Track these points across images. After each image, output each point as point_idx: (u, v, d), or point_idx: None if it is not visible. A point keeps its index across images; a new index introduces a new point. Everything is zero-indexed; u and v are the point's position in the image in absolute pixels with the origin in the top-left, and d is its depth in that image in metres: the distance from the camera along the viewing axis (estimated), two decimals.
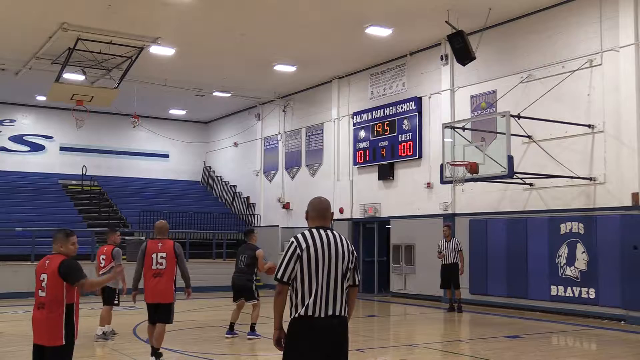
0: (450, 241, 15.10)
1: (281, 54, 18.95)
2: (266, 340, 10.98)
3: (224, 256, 22.06)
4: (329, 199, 19.86)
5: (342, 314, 4.64)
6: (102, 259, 11.03)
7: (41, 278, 5.85)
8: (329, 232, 4.79)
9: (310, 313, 4.53)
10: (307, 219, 4.99)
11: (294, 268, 4.60)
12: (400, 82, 18.94)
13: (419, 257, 17.75)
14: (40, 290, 5.82)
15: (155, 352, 8.73)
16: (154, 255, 8.71)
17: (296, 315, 4.58)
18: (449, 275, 15.02)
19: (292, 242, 4.70)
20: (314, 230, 4.79)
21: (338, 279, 4.64)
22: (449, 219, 16.74)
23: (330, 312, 4.56)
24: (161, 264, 8.68)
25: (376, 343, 11.69)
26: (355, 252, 4.83)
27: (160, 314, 8.69)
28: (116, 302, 11.11)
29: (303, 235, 4.74)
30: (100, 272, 10.82)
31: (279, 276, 4.62)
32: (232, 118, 28.13)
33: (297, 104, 23.55)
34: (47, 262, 5.92)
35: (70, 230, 6.17)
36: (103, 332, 10.87)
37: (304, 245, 4.64)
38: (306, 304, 4.54)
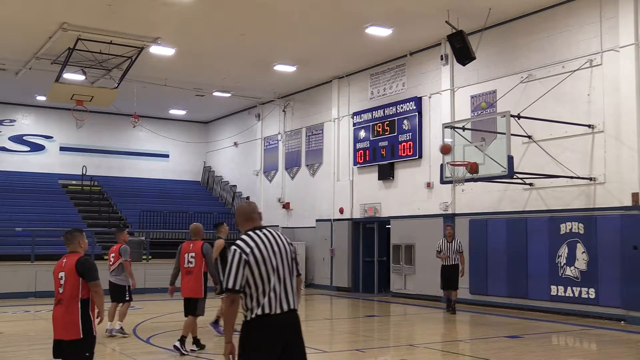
0: (452, 242, 14.79)
1: (281, 54, 18.95)
2: None
3: None
4: (330, 199, 19.74)
5: (295, 307, 4.75)
6: (112, 257, 11.51)
7: (59, 276, 6.18)
8: (264, 231, 4.82)
9: (267, 311, 4.59)
10: (237, 225, 4.97)
11: (243, 275, 4.61)
12: (400, 82, 18.94)
13: (419, 257, 17.75)
14: (59, 288, 6.16)
15: (181, 339, 9.53)
16: (186, 255, 9.72)
17: (252, 316, 4.62)
18: (450, 276, 14.77)
19: (235, 249, 4.68)
20: (250, 233, 4.78)
21: (286, 273, 4.73)
22: (449, 219, 16.74)
23: (285, 308, 4.65)
24: (191, 262, 9.65)
25: (376, 343, 11.68)
26: (293, 244, 4.91)
27: (190, 307, 9.65)
28: (127, 297, 11.37)
29: (243, 240, 4.71)
30: (111, 269, 11.35)
31: (230, 286, 4.60)
32: (232, 118, 28.13)
33: (297, 104, 23.55)
34: (65, 260, 6.25)
35: (80, 230, 6.54)
36: (120, 327, 11.14)
37: (247, 250, 4.64)
38: (262, 304, 4.60)
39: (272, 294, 4.62)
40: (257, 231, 4.81)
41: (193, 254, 9.66)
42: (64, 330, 6.04)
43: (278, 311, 4.62)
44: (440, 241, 15.02)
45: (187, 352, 9.49)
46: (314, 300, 19.00)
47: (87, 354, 6.10)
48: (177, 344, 9.50)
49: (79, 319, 6.05)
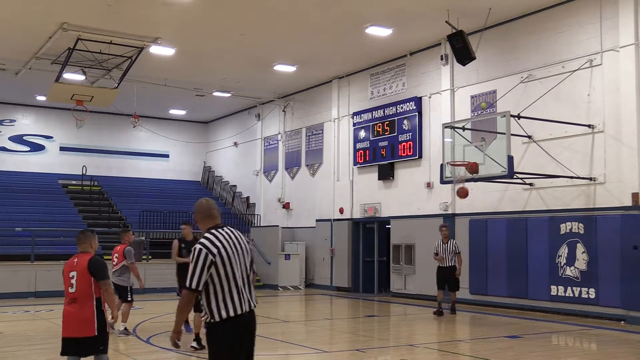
0: (447, 243, 14.41)
1: (281, 54, 18.95)
2: (266, 340, 10.98)
3: None
4: (330, 199, 19.77)
5: (255, 305, 4.78)
6: (115, 257, 11.52)
7: (70, 275, 6.34)
8: (226, 229, 4.76)
9: (239, 312, 4.59)
10: (196, 222, 4.88)
11: (207, 275, 4.56)
12: (400, 82, 18.94)
13: (419, 257, 17.74)
14: (69, 287, 6.33)
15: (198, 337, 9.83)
16: None
17: (219, 318, 4.57)
18: (447, 277, 14.40)
19: (201, 249, 4.59)
20: (214, 232, 4.71)
21: (247, 273, 4.73)
22: (449, 219, 16.74)
23: (247, 308, 4.67)
24: None
25: (376, 343, 11.68)
26: (249, 242, 4.92)
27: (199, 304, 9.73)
28: (129, 298, 11.45)
29: (208, 239, 4.64)
30: (113, 270, 11.26)
31: (194, 286, 4.54)
32: (232, 118, 28.14)
33: (297, 104, 23.55)
34: (76, 260, 6.43)
35: (92, 230, 6.74)
36: (124, 328, 11.20)
37: (214, 251, 4.58)
38: (229, 305, 4.57)
39: (238, 295, 4.61)
40: (220, 230, 4.73)
41: None
42: (79, 328, 6.23)
43: (244, 311, 4.62)
44: (437, 243, 14.65)
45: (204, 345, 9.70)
46: (314, 300, 19.00)
47: (101, 348, 6.37)
48: (194, 344, 9.77)
49: (94, 316, 6.26)
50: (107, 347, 6.46)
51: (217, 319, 4.58)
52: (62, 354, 6.43)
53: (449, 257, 14.38)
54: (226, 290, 4.58)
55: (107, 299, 6.41)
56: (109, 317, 6.43)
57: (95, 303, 6.28)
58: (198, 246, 4.60)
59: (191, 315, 9.82)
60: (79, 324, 6.24)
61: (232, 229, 4.81)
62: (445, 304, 14.77)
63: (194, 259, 4.57)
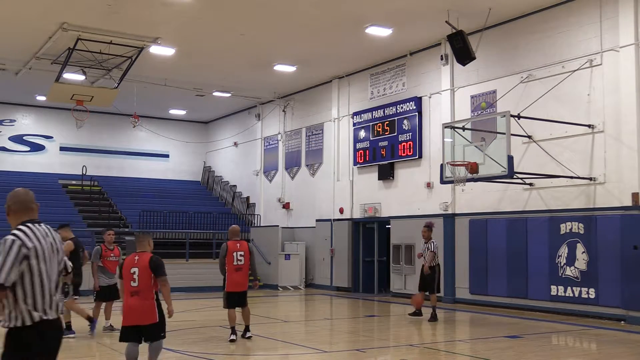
0: (428, 242, 13.67)
1: (281, 54, 18.95)
2: (267, 340, 10.98)
3: None
4: (330, 199, 19.82)
5: (62, 312, 4.48)
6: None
7: (132, 271, 7.33)
8: (43, 226, 4.33)
9: (51, 317, 4.18)
10: (8, 214, 4.34)
11: (19, 270, 4.05)
12: (400, 82, 18.94)
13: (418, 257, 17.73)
14: (132, 282, 7.30)
15: (247, 328, 10.77)
16: (234, 254, 10.54)
17: (27, 323, 4.08)
18: (424, 279, 13.63)
19: (14, 240, 4.08)
20: (30, 225, 4.22)
21: (57, 275, 4.32)
22: (449, 219, 16.75)
23: (55, 315, 4.25)
24: (240, 260, 10.55)
25: (376, 343, 11.68)
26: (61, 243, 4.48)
27: (241, 300, 10.68)
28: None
29: (24, 233, 4.15)
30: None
31: (1, 280, 3.97)
32: (232, 118, 28.14)
33: (297, 104, 23.55)
34: (137, 258, 7.43)
35: (149, 232, 7.38)
36: (110, 325, 11.40)
37: (30, 245, 4.11)
38: (39, 308, 4.11)
39: (49, 297, 4.18)
40: (36, 225, 4.27)
41: (242, 252, 10.60)
42: (143, 317, 7.27)
43: (54, 316, 4.21)
44: (422, 242, 14.12)
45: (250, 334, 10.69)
46: (314, 300, 19.00)
47: (162, 334, 7.42)
48: (247, 334, 10.69)
49: (155, 306, 7.33)
50: (166, 333, 7.41)
51: (21, 323, 4.08)
52: (123, 340, 7.39)
53: (428, 257, 13.62)
54: (38, 291, 4.11)
55: (165, 293, 7.34)
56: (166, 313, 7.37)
57: (154, 295, 7.32)
58: (10, 237, 4.10)
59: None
60: (142, 313, 7.26)
61: (48, 227, 4.37)
62: (445, 304, 14.73)
63: (7, 251, 4.04)
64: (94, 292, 11.77)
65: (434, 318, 13.25)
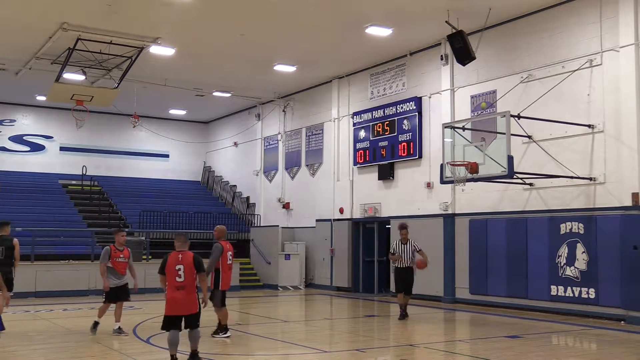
0: (406, 243, 13.67)
1: (281, 54, 18.95)
2: (266, 340, 10.99)
3: None
4: (330, 199, 19.77)
5: None
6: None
7: (177, 268, 8.35)
8: None
9: None
10: None
11: None
12: (400, 82, 18.94)
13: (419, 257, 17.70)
14: (177, 277, 8.34)
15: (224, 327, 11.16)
16: (228, 254, 11.08)
17: None
18: (403, 278, 13.70)
19: None
20: None
21: None
22: (449, 219, 16.75)
23: None
24: (230, 259, 11.20)
25: (376, 343, 11.68)
26: None
27: (224, 299, 11.23)
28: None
29: None
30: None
31: None
32: (232, 118, 28.14)
33: (297, 104, 23.55)
34: (180, 256, 8.45)
35: (185, 234, 8.51)
36: (119, 327, 11.28)
37: None
38: None
39: None
40: None
41: (231, 252, 11.21)
42: (187, 308, 8.36)
43: None
44: (395, 243, 14.04)
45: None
46: (314, 300, 19.00)
47: (198, 323, 8.50)
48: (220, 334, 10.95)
49: (197, 298, 8.51)
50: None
51: None
52: (166, 328, 8.35)
53: (407, 258, 13.63)
54: None
55: (203, 286, 8.69)
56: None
57: (196, 288, 8.50)
58: None
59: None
60: (187, 304, 8.34)
61: None
62: (445, 304, 14.73)
63: None
64: (102, 294, 11.52)
65: (405, 315, 13.75)
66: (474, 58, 14.70)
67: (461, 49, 14.58)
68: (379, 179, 19.31)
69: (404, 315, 13.71)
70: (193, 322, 8.47)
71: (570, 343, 11.47)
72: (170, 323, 8.39)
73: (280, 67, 20.13)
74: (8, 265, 11.31)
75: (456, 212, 16.79)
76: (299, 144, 23.45)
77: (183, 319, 8.38)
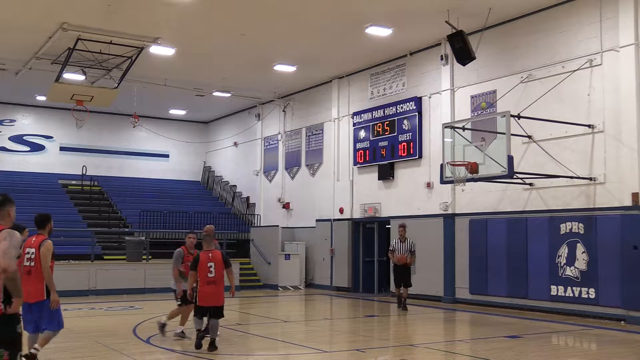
0: (404, 242, 15.28)
1: (281, 54, 18.95)
2: (266, 340, 10.99)
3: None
4: (330, 199, 19.80)
5: None
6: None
7: (208, 265, 9.46)
8: None
9: None
10: None
11: None
12: (400, 82, 18.94)
13: (419, 257, 17.61)
14: (209, 273, 9.44)
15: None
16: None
17: None
18: (403, 274, 15.31)
19: None
20: None
21: None
22: (449, 219, 16.76)
23: None
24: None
25: (376, 343, 11.69)
26: None
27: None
28: (179, 302, 10.90)
29: None
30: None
31: None
32: (232, 118, 28.14)
33: (297, 104, 23.55)
34: (210, 255, 9.60)
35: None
36: (182, 331, 10.73)
37: None
38: None
39: None
40: None
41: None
42: (216, 299, 9.53)
43: None
44: (394, 241, 15.61)
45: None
46: (314, 300, 19.00)
47: (221, 314, 9.64)
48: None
49: (223, 292, 9.61)
50: None
51: None
52: (198, 316, 9.53)
53: (404, 256, 15.21)
54: None
55: (231, 279, 9.75)
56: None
57: (223, 283, 9.56)
58: None
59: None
60: (216, 297, 9.50)
61: None
62: (445, 304, 14.74)
63: None
64: (177, 299, 10.86)
65: (405, 307, 15.19)
66: (474, 58, 14.70)
67: (461, 49, 14.57)
68: (379, 179, 19.31)
69: (403, 306, 15.10)
70: (217, 312, 9.57)
71: (570, 343, 11.47)
72: (200, 312, 9.61)
73: (280, 67, 20.13)
74: None
75: (456, 212, 16.79)
76: (299, 144, 23.45)
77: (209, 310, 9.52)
